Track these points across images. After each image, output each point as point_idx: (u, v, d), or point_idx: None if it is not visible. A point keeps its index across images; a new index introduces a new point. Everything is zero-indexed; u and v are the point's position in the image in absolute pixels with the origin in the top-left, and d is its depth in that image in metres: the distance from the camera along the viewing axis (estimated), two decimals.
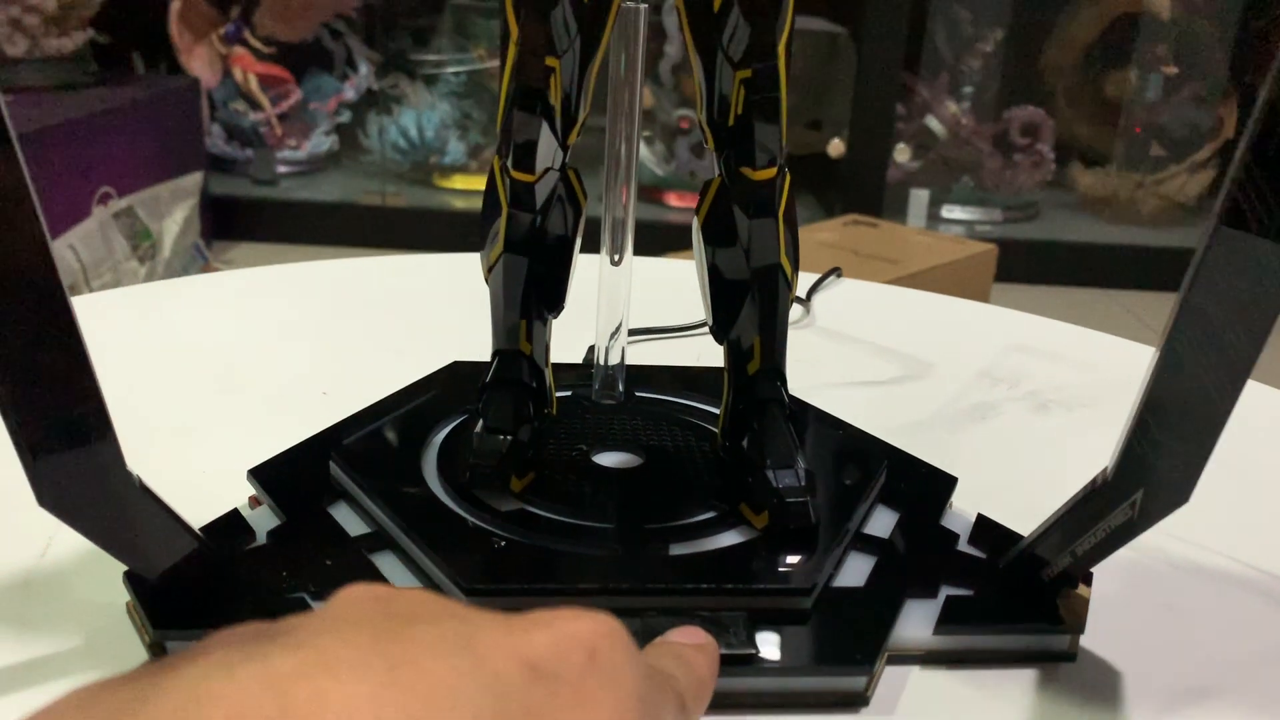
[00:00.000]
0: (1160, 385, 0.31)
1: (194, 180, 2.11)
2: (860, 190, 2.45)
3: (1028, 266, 2.43)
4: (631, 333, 0.53)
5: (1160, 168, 2.70)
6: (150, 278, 1.88)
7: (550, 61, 0.34)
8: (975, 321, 0.68)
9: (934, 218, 2.60)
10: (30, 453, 0.27)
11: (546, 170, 0.36)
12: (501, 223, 0.37)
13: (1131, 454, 0.33)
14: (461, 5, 2.60)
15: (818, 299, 0.69)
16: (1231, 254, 0.30)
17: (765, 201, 0.37)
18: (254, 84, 2.45)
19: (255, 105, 2.47)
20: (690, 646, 0.24)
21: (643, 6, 0.40)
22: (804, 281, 0.70)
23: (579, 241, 0.40)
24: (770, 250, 0.38)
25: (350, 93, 2.54)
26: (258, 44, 2.48)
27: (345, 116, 2.57)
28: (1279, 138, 0.28)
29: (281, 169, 2.49)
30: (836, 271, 0.72)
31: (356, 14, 2.56)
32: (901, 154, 2.48)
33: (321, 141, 2.54)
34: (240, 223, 2.34)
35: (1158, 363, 0.31)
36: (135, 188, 1.90)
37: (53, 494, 0.28)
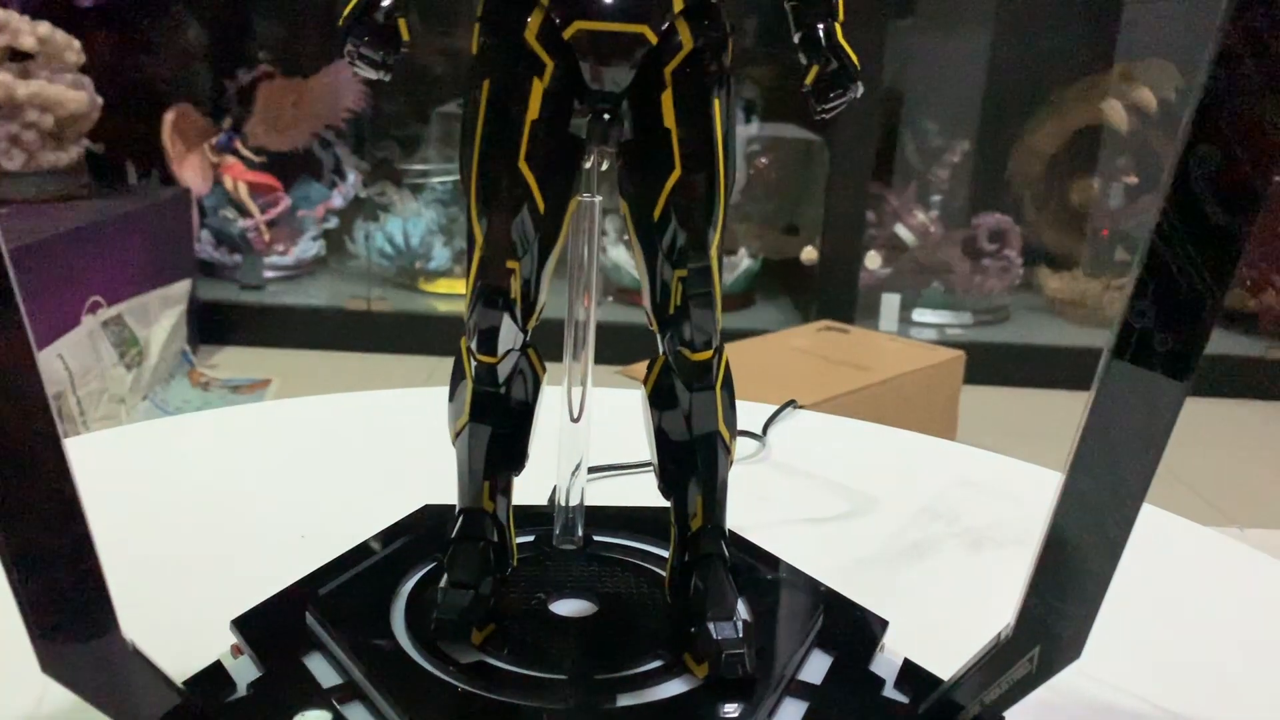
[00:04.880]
0: (1050, 551, 0.35)
1: (183, 288, 2.16)
2: (833, 295, 2.52)
3: (998, 369, 2.48)
4: (591, 470, 0.57)
5: (1125, 272, 2.79)
6: (136, 384, 1.91)
7: (511, 264, 0.39)
8: (922, 454, 0.72)
9: (905, 321, 2.66)
10: (38, 630, 0.30)
11: (508, 352, 0.41)
12: (467, 396, 0.41)
13: (1028, 614, 0.36)
14: (448, 114, 2.70)
15: (773, 431, 0.73)
16: (1122, 389, 0.34)
17: (704, 377, 0.41)
18: (244, 192, 2.52)
19: (245, 212, 2.53)
20: None
21: (596, 199, 0.45)
22: (760, 414, 0.74)
23: (538, 408, 0.44)
24: (710, 419, 0.42)
25: (338, 200, 2.62)
26: (248, 153, 2.56)
27: (332, 222, 2.64)
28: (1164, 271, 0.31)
29: (268, 274, 2.54)
30: (792, 404, 0.76)
31: (345, 124, 2.64)
32: (872, 261, 2.56)
33: (309, 247, 2.60)
34: (227, 327, 2.38)
35: (1048, 531, 0.35)
36: (125, 296, 1.94)
37: (55, 665, 0.31)
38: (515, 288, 0.39)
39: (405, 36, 0.38)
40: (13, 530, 0.29)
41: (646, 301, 0.42)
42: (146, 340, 1.97)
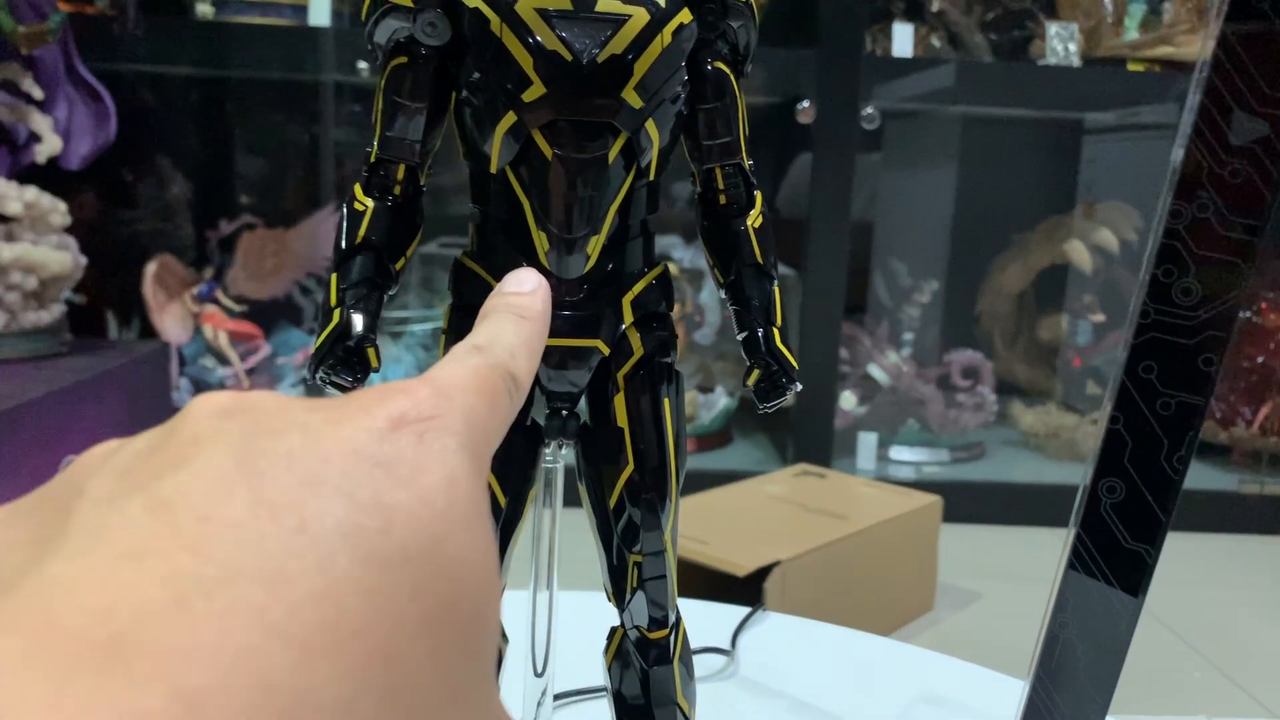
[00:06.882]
0: None
1: None
2: (810, 434, 2.54)
3: (976, 507, 2.50)
4: (557, 697, 0.57)
5: (1097, 405, 2.83)
6: None
7: None
8: (889, 662, 0.73)
9: (883, 458, 2.69)
10: None
11: None
12: None
13: None
14: (429, 256, 2.75)
15: (743, 638, 0.73)
16: (1080, 599, 0.35)
17: (662, 652, 0.43)
18: (224, 340, 2.55)
19: (224, 360, 2.55)
20: (521, 295, 0.26)
21: (559, 465, 0.47)
22: (730, 618, 0.75)
23: (501, 677, 0.45)
24: (669, 692, 0.43)
25: None
26: (229, 302, 2.60)
27: None
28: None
29: None
30: (760, 607, 0.77)
31: (326, 271, 2.69)
32: (847, 401, 2.59)
33: (287, 394, 2.62)
34: None
35: None
36: None
37: None
38: None
39: (375, 366, 0.40)
40: None
41: (605, 577, 0.43)
42: None
